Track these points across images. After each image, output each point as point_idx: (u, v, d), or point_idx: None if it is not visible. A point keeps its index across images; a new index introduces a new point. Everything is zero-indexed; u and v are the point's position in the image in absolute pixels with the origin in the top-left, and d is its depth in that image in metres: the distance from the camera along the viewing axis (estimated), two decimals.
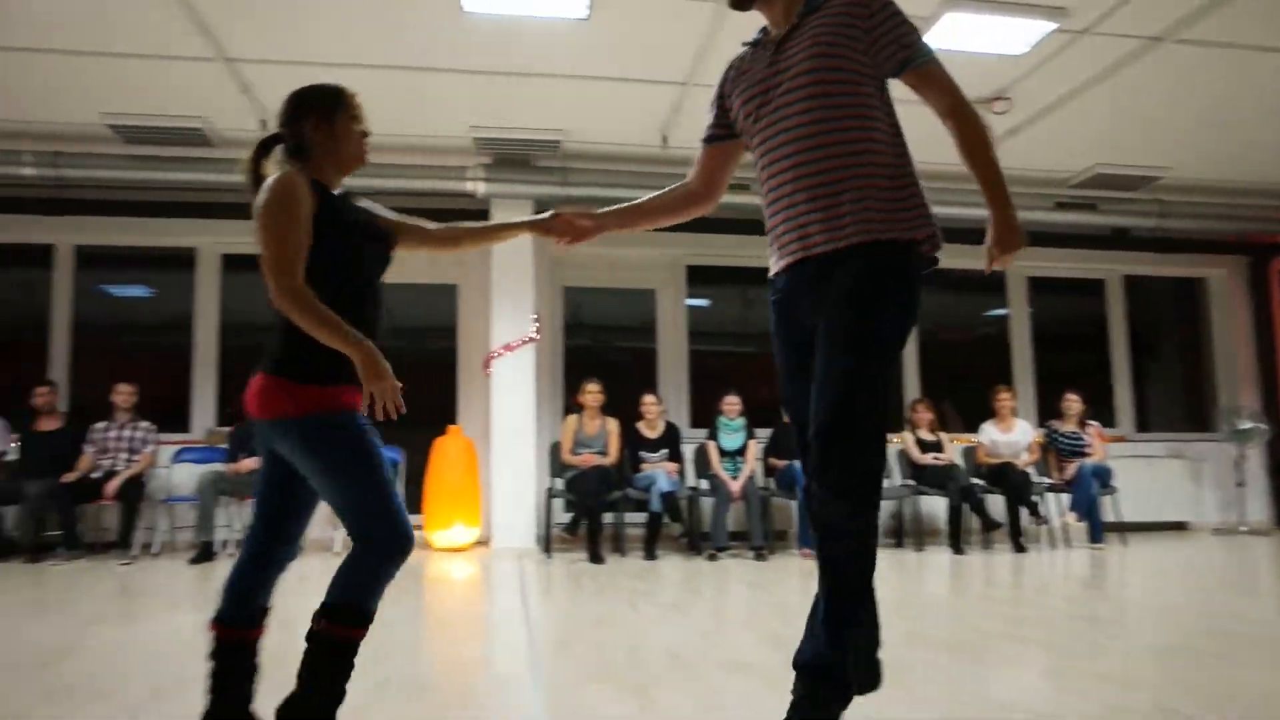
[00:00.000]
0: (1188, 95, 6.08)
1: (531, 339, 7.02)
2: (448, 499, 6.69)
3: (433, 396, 7.62)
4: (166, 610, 4.34)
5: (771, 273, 2.13)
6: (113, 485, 6.12)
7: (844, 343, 1.86)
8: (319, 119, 2.12)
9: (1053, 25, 5.13)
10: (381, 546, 1.96)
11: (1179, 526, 8.14)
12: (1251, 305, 8.81)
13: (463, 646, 3.54)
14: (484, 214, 7.09)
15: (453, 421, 7.28)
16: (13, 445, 6.47)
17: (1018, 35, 5.26)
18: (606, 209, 2.39)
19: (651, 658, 3.07)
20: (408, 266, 7.67)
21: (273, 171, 2.09)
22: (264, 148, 2.16)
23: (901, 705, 2.35)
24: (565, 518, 6.58)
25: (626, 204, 2.41)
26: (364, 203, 2.24)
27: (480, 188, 6.96)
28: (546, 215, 2.39)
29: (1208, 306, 9.04)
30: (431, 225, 2.34)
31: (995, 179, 1.98)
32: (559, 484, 6.70)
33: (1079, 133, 6.74)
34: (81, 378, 7.13)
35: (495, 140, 6.75)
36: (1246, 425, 8.04)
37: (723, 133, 2.27)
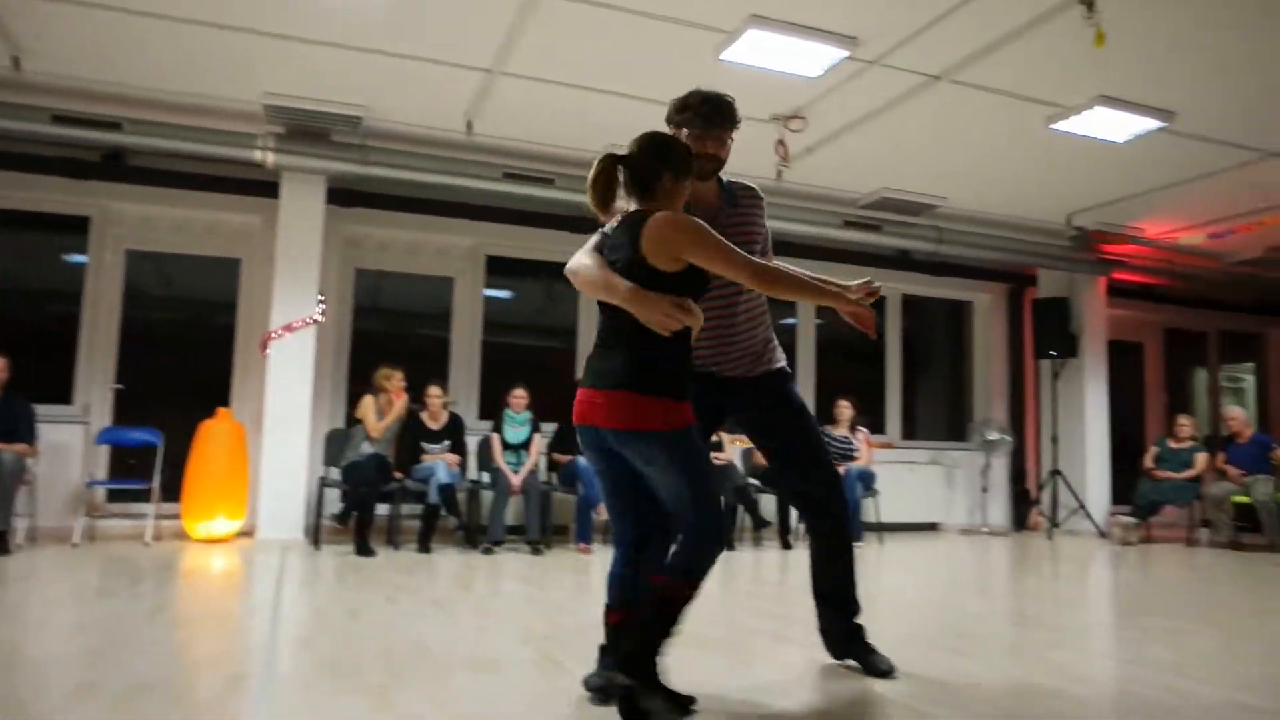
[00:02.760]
0: (961, 132, 6.53)
1: (315, 320, 6.65)
2: (210, 487, 6.21)
3: (206, 376, 7.08)
4: None
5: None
6: None
7: (802, 419, 2.89)
8: (677, 176, 2.33)
9: (844, 53, 5.32)
10: (705, 535, 2.25)
11: (931, 527, 8.83)
12: (1007, 329, 9.68)
13: (196, 644, 3.27)
14: (274, 186, 6.68)
15: (225, 404, 6.78)
16: None
17: (814, 59, 5.43)
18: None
19: (398, 655, 2.96)
20: (189, 237, 7.05)
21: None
22: (611, 164, 2.31)
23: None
24: (340, 509, 6.26)
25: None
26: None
27: (270, 158, 6.52)
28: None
29: (971, 327, 9.88)
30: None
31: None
32: (334, 473, 6.39)
33: (868, 157, 7.09)
34: None
35: (289, 110, 6.32)
36: (994, 436, 8.85)
37: None
